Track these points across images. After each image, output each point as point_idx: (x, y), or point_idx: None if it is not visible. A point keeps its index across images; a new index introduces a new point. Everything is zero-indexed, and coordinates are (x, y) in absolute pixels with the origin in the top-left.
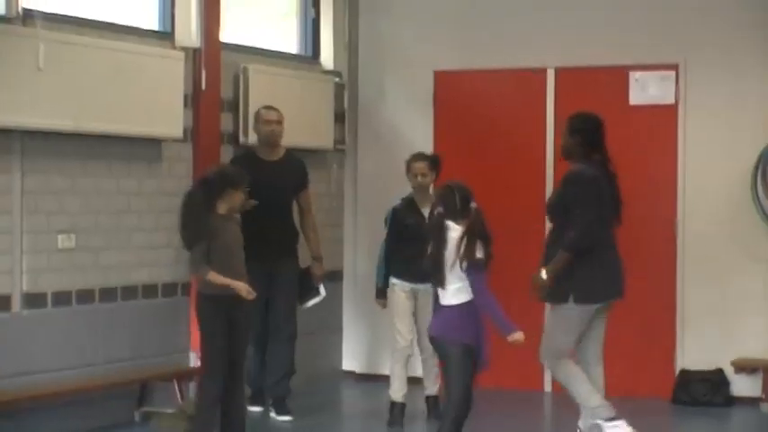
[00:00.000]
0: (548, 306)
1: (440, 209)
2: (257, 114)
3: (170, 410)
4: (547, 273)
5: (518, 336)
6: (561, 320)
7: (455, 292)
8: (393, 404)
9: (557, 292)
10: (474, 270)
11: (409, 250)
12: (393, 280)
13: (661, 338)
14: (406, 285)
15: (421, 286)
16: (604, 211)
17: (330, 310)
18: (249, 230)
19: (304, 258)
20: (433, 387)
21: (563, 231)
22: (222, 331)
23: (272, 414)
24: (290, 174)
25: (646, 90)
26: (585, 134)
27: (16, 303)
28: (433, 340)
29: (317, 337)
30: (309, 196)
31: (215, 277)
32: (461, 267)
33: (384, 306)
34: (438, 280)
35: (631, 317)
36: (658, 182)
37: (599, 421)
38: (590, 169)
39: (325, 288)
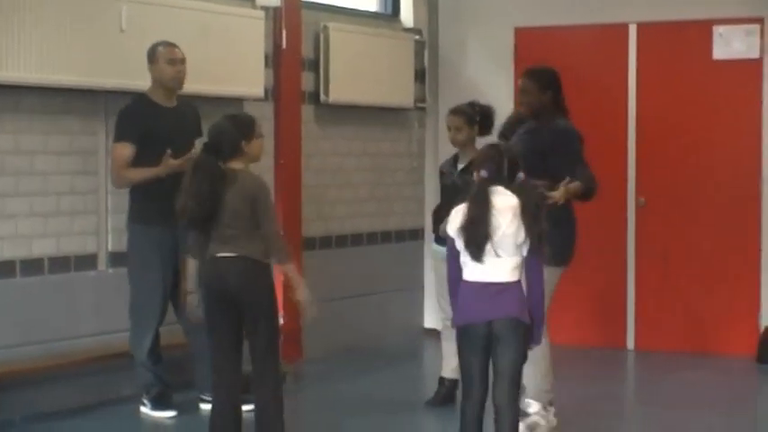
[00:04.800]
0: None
1: (484, 172)
2: (155, 52)
3: None
4: (567, 191)
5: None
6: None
7: (514, 268)
8: (441, 380)
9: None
10: (539, 255)
11: (448, 211)
12: (434, 246)
13: (745, 295)
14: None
15: None
16: None
17: (411, 268)
18: (152, 190)
19: None
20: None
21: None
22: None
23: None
24: (189, 123)
25: (729, 45)
26: (557, 90)
27: (102, 262)
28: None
29: (398, 295)
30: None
31: None
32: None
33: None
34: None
35: (715, 274)
36: (742, 138)
37: (534, 402)
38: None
39: (406, 246)
